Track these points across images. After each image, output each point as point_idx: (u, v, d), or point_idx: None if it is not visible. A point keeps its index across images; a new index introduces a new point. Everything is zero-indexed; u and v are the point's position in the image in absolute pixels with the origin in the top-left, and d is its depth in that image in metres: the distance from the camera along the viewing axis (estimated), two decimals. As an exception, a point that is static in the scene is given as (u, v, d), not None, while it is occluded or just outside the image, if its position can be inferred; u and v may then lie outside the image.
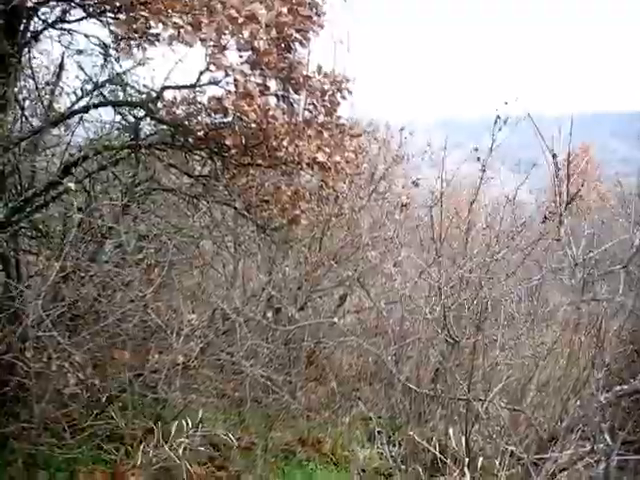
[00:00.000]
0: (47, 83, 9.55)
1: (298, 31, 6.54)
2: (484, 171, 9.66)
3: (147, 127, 8.13)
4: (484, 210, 10.60)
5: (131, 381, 5.37)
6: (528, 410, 6.53)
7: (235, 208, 7.50)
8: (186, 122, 6.84)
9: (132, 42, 6.89)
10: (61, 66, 8.83)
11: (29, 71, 9.00)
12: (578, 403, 5.68)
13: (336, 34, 7.95)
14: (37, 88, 8.98)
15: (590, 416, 5.44)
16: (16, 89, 8.72)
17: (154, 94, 7.36)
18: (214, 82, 6.89)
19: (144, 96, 8.12)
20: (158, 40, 6.02)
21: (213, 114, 6.38)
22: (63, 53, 8.74)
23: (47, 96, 9.09)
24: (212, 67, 6.05)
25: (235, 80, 5.74)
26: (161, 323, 5.25)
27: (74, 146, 9.98)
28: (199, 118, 6.62)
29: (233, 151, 6.64)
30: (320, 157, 6.56)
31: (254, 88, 5.83)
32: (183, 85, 6.86)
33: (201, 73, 6.85)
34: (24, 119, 8.67)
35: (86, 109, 8.04)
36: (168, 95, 7.46)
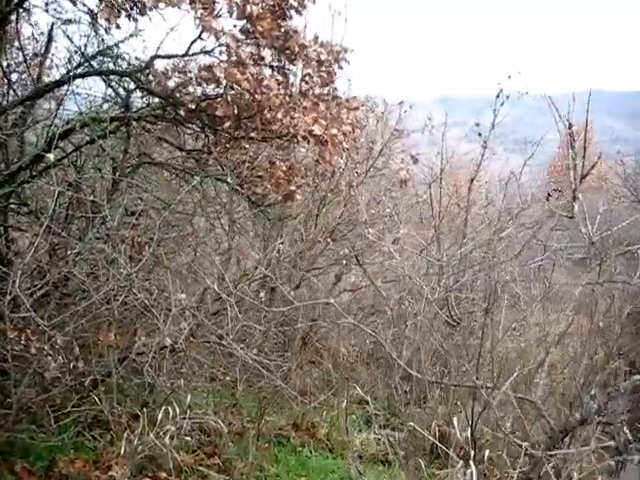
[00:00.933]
0: (35, 55, 9.34)
1: (294, -3, 6.21)
2: (485, 147, 9.39)
3: (138, 101, 7.85)
4: (485, 187, 10.34)
5: (116, 365, 5.09)
6: (539, 399, 6.23)
7: (228, 183, 7.19)
8: (177, 94, 6.52)
9: (121, 11, 6.55)
10: (50, 37, 8.49)
11: (17, 43, 8.76)
12: (593, 392, 5.39)
13: (333, 5, 7.60)
14: (25, 60, 8.69)
15: (606, 407, 5.16)
16: (4, 62, 8.53)
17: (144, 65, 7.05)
18: (206, 51, 6.57)
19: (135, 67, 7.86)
20: (145, 8, 5.65)
21: (204, 84, 6.05)
22: (52, 24, 8.46)
23: (36, 69, 8.88)
24: (203, 34, 5.73)
25: (227, 47, 5.40)
26: (148, 303, 4.97)
27: (63, 120, 9.85)
28: (190, 89, 6.29)
29: (226, 124, 6.31)
30: (316, 130, 6.24)
31: (247, 56, 5.50)
32: (173, 54, 6.53)
33: (192, 42, 6.53)
34: (12, 92, 8.39)
35: (73, 78, 7.73)
36: (160, 66, 7.18)
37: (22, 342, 4.33)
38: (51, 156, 4.87)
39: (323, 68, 6.54)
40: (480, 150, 9.24)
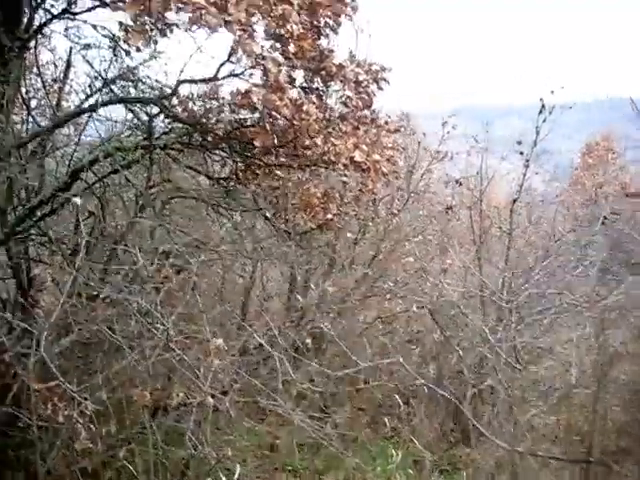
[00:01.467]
0: (54, 80, 9.05)
1: (331, 15, 5.78)
2: (527, 166, 8.88)
3: (161, 124, 7.46)
4: (525, 208, 9.78)
5: (153, 430, 4.55)
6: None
7: (267, 218, 6.74)
8: (204, 119, 6.10)
9: (144, 33, 6.16)
10: (68, 62, 8.21)
11: (35, 69, 8.37)
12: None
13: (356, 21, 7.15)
14: (44, 86, 8.36)
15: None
16: (23, 88, 8.07)
17: (168, 90, 6.64)
18: (235, 74, 6.16)
19: (157, 92, 7.47)
20: (175, 27, 5.23)
21: (237, 110, 5.62)
22: (70, 49, 8.14)
23: (55, 95, 8.56)
24: (233, 56, 5.29)
25: (266, 71, 4.95)
26: (186, 358, 4.46)
27: (84, 146, 9.50)
28: (221, 115, 5.86)
29: (256, 150, 5.89)
30: (358, 156, 5.79)
31: (285, 80, 5.06)
32: (201, 79, 6.11)
33: (221, 65, 6.12)
34: (31, 120, 7.97)
35: (95, 107, 7.37)
36: (184, 90, 6.78)
37: (49, 409, 3.90)
38: (78, 200, 4.38)
39: (361, 89, 6.09)
40: (522, 169, 8.74)
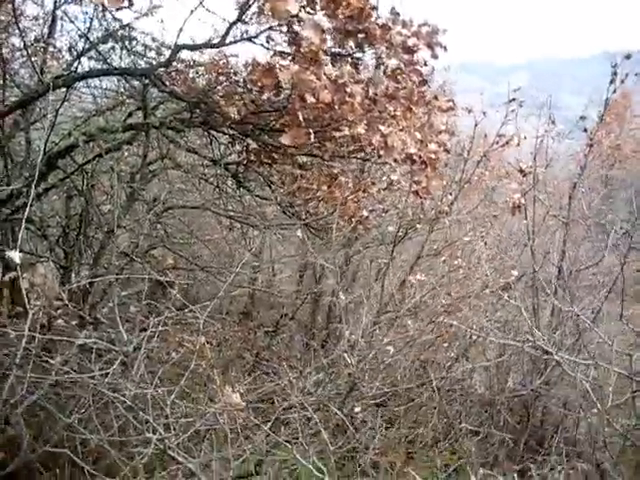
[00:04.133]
0: (37, 40, 7.78)
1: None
2: (591, 145, 7.46)
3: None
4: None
5: None
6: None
7: (293, 216, 5.46)
8: (209, 98, 4.72)
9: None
10: (54, 18, 6.94)
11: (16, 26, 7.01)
12: None
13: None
14: (25, 47, 7.01)
15: None
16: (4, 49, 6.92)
17: (164, 57, 5.26)
18: (248, 37, 4.76)
19: (153, 56, 6.14)
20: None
21: (254, 90, 4.21)
22: (55, 2, 6.83)
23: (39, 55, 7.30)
24: (254, 12, 3.89)
25: (297, 38, 3.54)
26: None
27: (71, 116, 8.11)
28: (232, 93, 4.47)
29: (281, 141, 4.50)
30: (412, 148, 4.40)
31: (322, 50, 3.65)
32: (204, 43, 4.72)
33: (231, 25, 4.72)
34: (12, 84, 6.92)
35: (79, 79, 6.09)
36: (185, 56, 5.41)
37: None
38: (16, 257, 2.96)
39: (414, 57, 4.68)
40: (583, 146, 7.31)
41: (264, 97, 4.12)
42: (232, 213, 6.55)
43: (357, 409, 4.15)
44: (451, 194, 5.79)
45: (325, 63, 3.68)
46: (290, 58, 3.79)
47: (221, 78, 4.49)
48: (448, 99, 5.66)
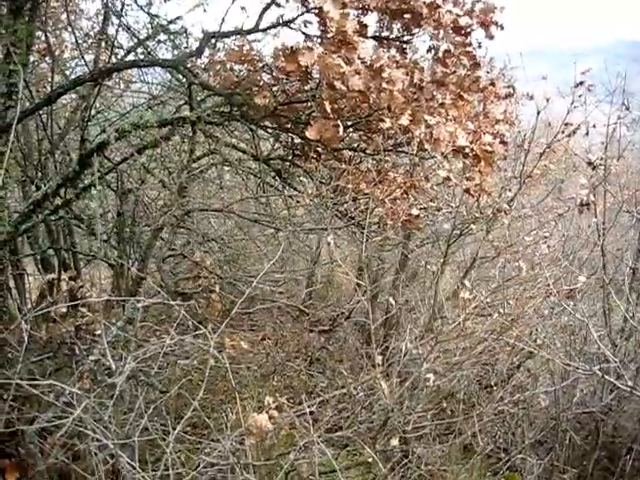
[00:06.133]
0: (87, 34, 7.76)
1: None
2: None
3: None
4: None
5: None
6: None
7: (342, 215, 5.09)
8: (242, 89, 4.32)
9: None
10: (106, 15, 6.78)
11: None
12: None
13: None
14: (76, 40, 7.09)
15: None
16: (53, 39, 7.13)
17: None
18: (284, 22, 4.34)
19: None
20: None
21: (284, 77, 3.80)
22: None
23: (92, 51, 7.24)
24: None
25: (323, 16, 3.11)
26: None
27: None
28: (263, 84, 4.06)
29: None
30: (462, 140, 3.91)
31: (354, 31, 3.20)
32: (235, 30, 4.34)
33: (264, 9, 4.33)
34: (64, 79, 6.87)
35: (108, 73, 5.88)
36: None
37: None
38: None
39: (468, 39, 4.18)
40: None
41: (293, 86, 3.71)
42: (263, 215, 6.18)
43: (394, 442, 3.68)
44: (510, 190, 5.27)
45: (360, 47, 3.22)
46: (319, 41, 3.36)
47: (249, 67, 4.07)
48: (507, 85, 5.15)
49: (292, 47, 3.27)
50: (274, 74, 3.82)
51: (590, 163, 5.10)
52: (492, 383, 6.04)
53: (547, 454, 5.87)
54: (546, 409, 5.95)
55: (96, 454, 2.59)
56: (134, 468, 2.44)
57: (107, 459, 2.74)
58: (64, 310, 5.68)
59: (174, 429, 2.66)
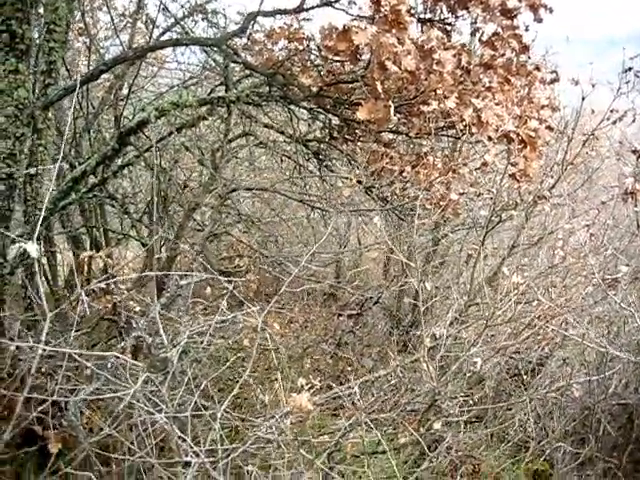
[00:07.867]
0: (123, 15, 7.70)
1: None
2: None
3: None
4: None
5: None
6: None
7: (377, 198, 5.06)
8: (285, 69, 4.30)
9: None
10: None
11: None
12: None
13: None
14: (113, 21, 7.02)
15: None
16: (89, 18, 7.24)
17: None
18: (329, 1, 4.29)
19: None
20: None
21: (330, 57, 3.76)
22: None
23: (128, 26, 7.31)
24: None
25: None
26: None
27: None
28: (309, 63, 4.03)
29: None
30: (509, 125, 3.86)
31: (407, 10, 3.16)
32: (279, 10, 4.30)
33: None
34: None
35: (150, 49, 5.88)
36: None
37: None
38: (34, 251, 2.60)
39: (515, 22, 4.11)
40: None
41: (341, 66, 3.68)
42: (305, 196, 6.15)
43: (437, 426, 3.68)
44: (552, 177, 5.19)
45: (409, 27, 3.19)
46: (370, 21, 3.32)
47: (295, 46, 4.03)
48: (552, 70, 5.07)
49: (344, 26, 3.25)
50: (322, 53, 3.80)
51: (635, 151, 5.00)
52: (522, 372, 6.00)
53: (579, 445, 5.82)
54: (579, 399, 5.90)
55: (145, 429, 2.61)
56: (184, 441, 2.45)
57: (151, 434, 2.76)
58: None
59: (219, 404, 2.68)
